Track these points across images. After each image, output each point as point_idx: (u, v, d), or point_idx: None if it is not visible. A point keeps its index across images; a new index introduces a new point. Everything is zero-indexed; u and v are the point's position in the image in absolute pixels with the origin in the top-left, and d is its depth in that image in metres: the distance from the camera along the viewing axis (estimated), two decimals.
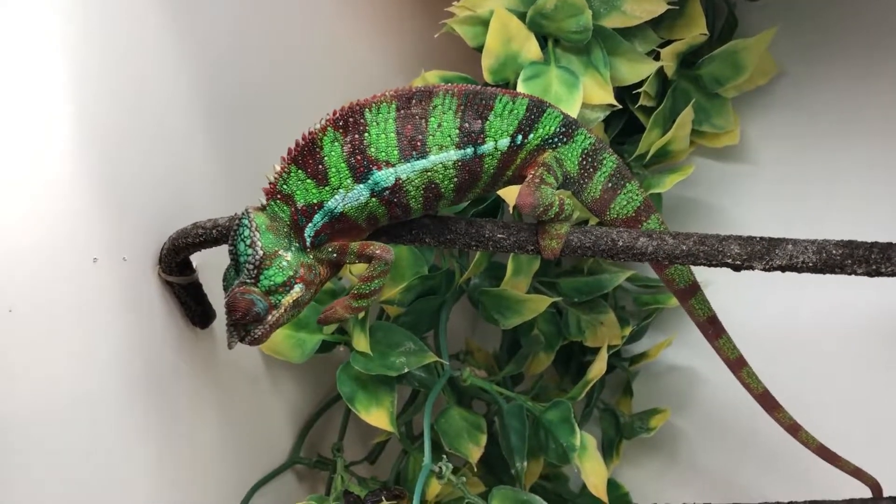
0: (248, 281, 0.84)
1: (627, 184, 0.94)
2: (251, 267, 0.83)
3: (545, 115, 0.88)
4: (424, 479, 1.07)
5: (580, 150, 0.91)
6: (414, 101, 0.84)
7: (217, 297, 1.09)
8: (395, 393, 1.16)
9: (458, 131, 0.85)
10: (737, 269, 0.90)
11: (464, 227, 0.92)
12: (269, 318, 0.85)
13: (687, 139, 1.26)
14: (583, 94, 1.12)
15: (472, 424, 1.24)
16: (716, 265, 0.90)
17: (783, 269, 0.88)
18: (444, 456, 1.14)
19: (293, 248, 0.85)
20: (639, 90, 1.20)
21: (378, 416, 1.14)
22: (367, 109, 0.83)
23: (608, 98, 1.14)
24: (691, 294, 1.01)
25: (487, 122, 0.85)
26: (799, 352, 1.34)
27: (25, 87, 0.87)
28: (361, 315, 1.12)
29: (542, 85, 1.11)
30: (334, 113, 0.83)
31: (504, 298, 1.22)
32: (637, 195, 0.94)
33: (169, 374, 1.07)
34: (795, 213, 1.32)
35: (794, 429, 1.09)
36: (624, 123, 1.27)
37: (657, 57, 1.21)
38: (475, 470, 1.23)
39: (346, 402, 1.14)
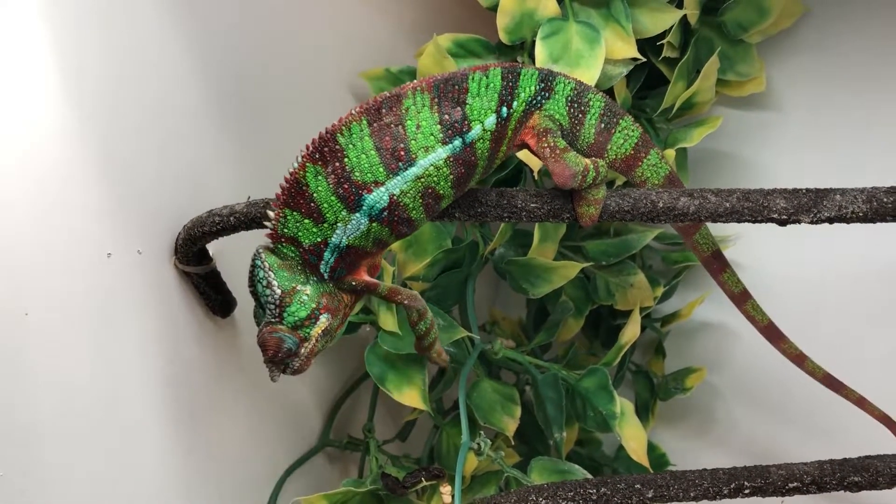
0: (272, 320, 0.83)
1: (621, 120, 0.90)
2: (273, 307, 0.82)
3: (521, 76, 0.84)
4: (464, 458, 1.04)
5: (564, 99, 0.86)
6: (384, 110, 0.79)
7: (235, 285, 1.07)
8: (426, 370, 1.13)
9: (439, 127, 0.80)
10: (783, 223, 0.86)
11: (494, 198, 0.88)
12: (303, 350, 0.84)
13: (712, 89, 1.21)
14: (605, 49, 1.06)
15: (505, 396, 1.21)
16: (761, 221, 0.86)
17: (831, 220, 0.85)
18: (482, 432, 1.11)
19: (311, 281, 0.83)
20: (661, 42, 1.15)
21: (410, 396, 1.12)
22: (338, 134, 0.79)
23: (632, 52, 1.09)
24: (695, 230, 0.98)
25: (467, 105, 0.81)
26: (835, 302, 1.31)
27: (30, 81, 0.83)
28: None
29: (561, 42, 1.07)
30: (308, 147, 0.80)
31: (533, 267, 1.19)
32: (633, 131, 0.90)
33: (192, 367, 1.05)
34: (827, 162, 1.28)
35: (799, 359, 1.07)
36: (645, 77, 1.22)
37: (679, 5, 1.15)
38: (510, 441, 1.21)
39: (376, 382, 1.11)
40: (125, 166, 0.93)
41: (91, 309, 0.90)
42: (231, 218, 0.94)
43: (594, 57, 1.06)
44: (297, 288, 0.82)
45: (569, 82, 0.86)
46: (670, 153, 1.19)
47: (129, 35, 0.93)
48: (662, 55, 1.17)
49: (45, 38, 0.84)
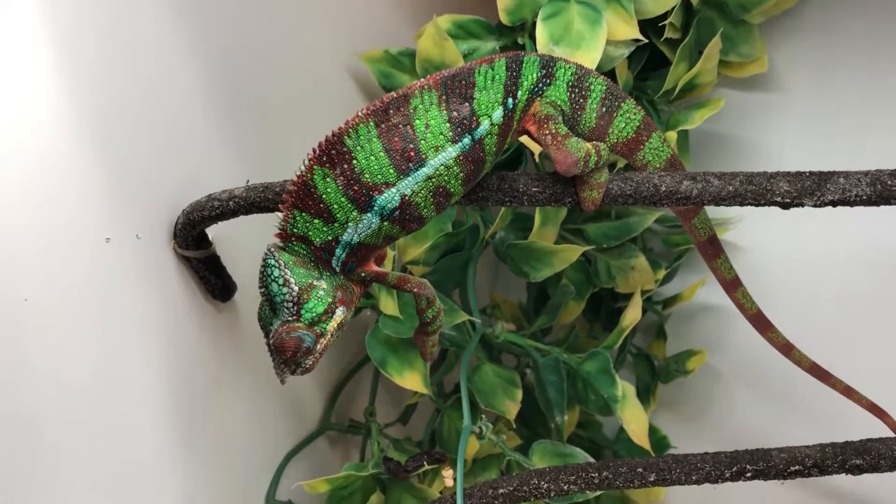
0: (289, 319, 0.82)
1: (622, 104, 0.88)
2: (290, 304, 0.81)
3: (524, 65, 0.83)
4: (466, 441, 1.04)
5: (565, 85, 0.85)
6: (391, 110, 0.78)
7: (235, 268, 1.06)
8: None
9: (448, 125, 0.79)
10: (786, 206, 0.86)
11: (496, 182, 0.87)
12: (318, 346, 0.83)
13: (714, 71, 1.20)
14: (606, 30, 1.05)
15: (507, 380, 1.21)
16: (764, 204, 0.85)
17: (835, 203, 0.84)
18: (483, 416, 1.11)
19: (325, 276, 0.83)
20: (663, 23, 1.14)
21: (412, 379, 1.12)
22: (345, 136, 0.78)
23: (633, 33, 1.08)
24: (694, 213, 0.97)
25: (475, 100, 0.80)
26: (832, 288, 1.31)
27: (27, 66, 0.82)
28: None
29: (562, 23, 1.05)
30: (314, 150, 0.79)
31: (534, 250, 1.18)
32: (635, 114, 0.89)
33: (192, 351, 1.04)
34: (830, 144, 1.27)
35: (786, 348, 1.07)
36: (646, 58, 1.21)
37: None
38: (511, 424, 1.21)
39: (377, 366, 1.11)
40: (124, 151, 0.92)
41: (90, 294, 0.89)
42: (230, 202, 0.93)
43: (596, 38, 1.05)
44: (314, 283, 0.82)
45: (569, 67, 0.85)
46: (672, 135, 1.18)
47: (126, 19, 0.92)
48: (664, 36, 1.16)
49: (42, 23, 0.83)
